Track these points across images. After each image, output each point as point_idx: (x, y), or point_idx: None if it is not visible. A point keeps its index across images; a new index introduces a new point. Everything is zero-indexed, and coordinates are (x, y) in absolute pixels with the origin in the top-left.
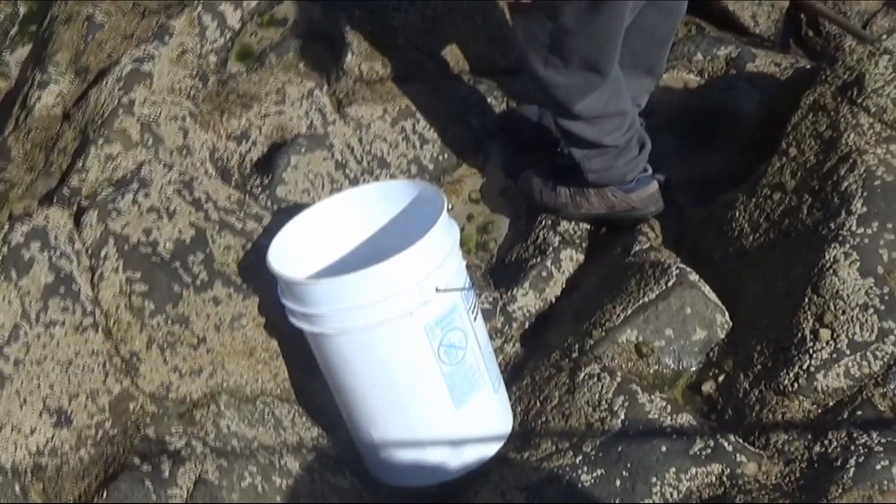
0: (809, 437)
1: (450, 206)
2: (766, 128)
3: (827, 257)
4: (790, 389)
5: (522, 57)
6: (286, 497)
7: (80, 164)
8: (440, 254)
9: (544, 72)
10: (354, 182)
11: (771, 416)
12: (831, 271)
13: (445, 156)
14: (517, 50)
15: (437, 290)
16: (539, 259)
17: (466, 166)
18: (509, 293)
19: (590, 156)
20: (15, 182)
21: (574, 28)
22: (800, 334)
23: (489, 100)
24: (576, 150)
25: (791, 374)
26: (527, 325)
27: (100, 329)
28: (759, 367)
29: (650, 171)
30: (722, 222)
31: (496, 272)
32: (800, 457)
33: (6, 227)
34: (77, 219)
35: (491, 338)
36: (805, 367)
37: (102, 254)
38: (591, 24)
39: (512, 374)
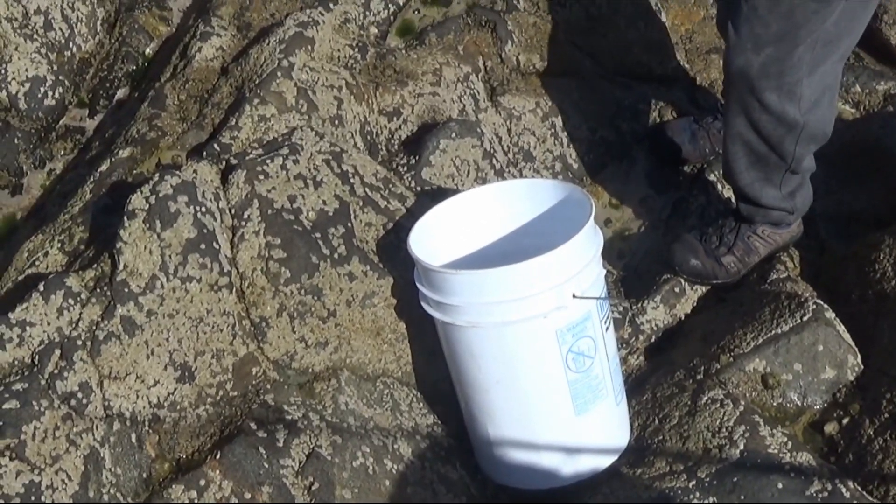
0: None
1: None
2: None
3: None
4: None
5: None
6: (395, 482)
7: (234, 122)
8: (582, 260)
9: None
10: (499, 173)
11: (893, 467)
12: None
13: (591, 157)
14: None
15: (574, 296)
16: (673, 274)
17: (610, 170)
18: (640, 304)
19: (795, 190)
20: (166, 130)
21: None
22: None
23: (641, 106)
24: (780, 192)
25: None
26: (653, 339)
27: (234, 290)
28: (886, 415)
29: None
30: (865, 263)
31: (628, 281)
32: None
33: (156, 177)
34: (224, 176)
35: (617, 348)
36: None
37: (245, 215)
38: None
39: (633, 386)
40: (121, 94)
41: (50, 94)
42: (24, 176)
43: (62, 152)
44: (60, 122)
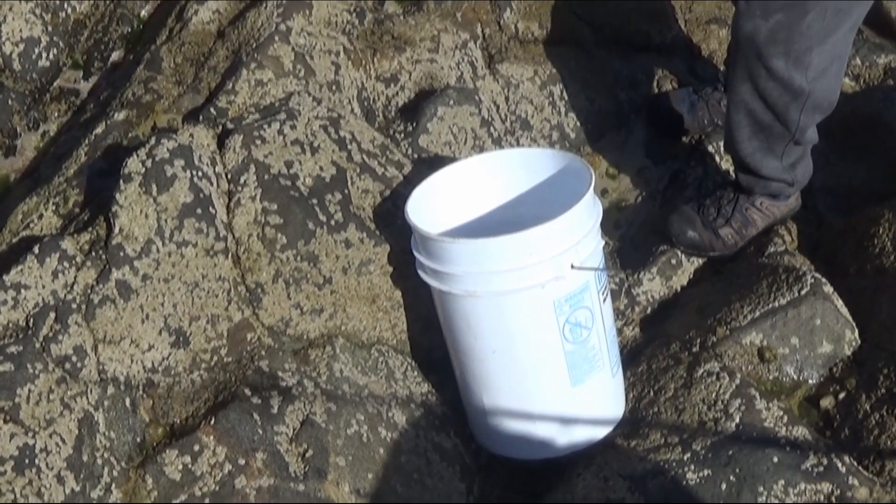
0: None
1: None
2: None
3: None
4: None
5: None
6: (389, 450)
7: (230, 86)
8: (581, 230)
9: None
10: (497, 141)
11: (889, 442)
12: None
13: (589, 126)
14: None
15: (573, 266)
16: (670, 245)
17: (608, 140)
18: (636, 276)
19: (796, 162)
20: (162, 94)
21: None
22: None
23: (640, 76)
24: (781, 163)
25: None
26: (649, 311)
27: (229, 255)
28: (883, 390)
29: None
30: (863, 237)
31: (625, 252)
32: None
33: (152, 140)
34: (221, 141)
35: (613, 319)
36: None
37: (242, 180)
38: None
39: (628, 358)
40: (116, 56)
41: (44, 55)
42: (18, 137)
43: (56, 114)
44: (55, 83)
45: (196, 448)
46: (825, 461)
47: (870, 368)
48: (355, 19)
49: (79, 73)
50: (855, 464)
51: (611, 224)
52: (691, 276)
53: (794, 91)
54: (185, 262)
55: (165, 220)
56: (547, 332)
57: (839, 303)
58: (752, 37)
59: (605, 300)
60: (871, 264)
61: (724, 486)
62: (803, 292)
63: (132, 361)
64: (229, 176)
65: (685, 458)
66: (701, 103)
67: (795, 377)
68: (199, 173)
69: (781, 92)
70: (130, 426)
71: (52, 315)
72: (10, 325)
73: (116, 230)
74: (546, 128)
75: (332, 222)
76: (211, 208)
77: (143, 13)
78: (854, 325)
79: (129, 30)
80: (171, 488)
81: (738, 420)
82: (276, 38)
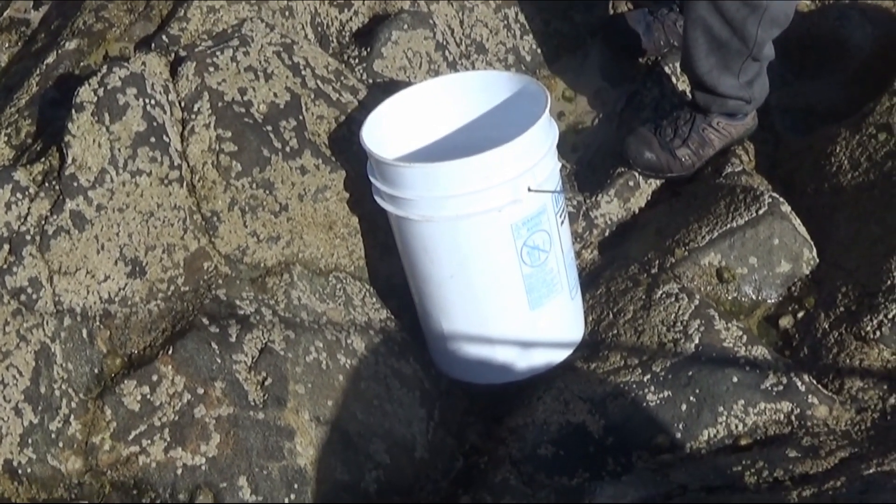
0: (885, 387)
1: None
2: (877, 64)
3: None
4: (871, 336)
5: None
6: (348, 377)
7: (182, 13)
8: (537, 153)
9: None
10: (452, 65)
11: (848, 360)
12: None
13: (544, 49)
14: None
15: (529, 189)
16: (627, 167)
17: (564, 62)
18: (594, 198)
19: (753, 79)
20: (113, 22)
21: None
22: (889, 282)
23: None
24: (738, 80)
25: (875, 322)
26: (607, 233)
27: (184, 184)
28: (841, 309)
29: None
30: (820, 155)
31: (582, 175)
32: (873, 406)
33: (104, 69)
34: (173, 68)
35: (571, 242)
36: (890, 315)
37: (195, 108)
38: None
39: (587, 281)
40: None
41: None
42: None
43: (7, 44)
44: (5, 13)
45: (154, 378)
46: (784, 380)
47: (828, 287)
48: None
49: (29, 2)
50: (814, 382)
51: (568, 147)
52: (649, 197)
53: (751, 4)
54: (140, 192)
55: (119, 150)
56: (504, 256)
57: (797, 222)
58: None
59: (562, 223)
60: (828, 183)
61: (683, 407)
62: (761, 212)
63: (88, 292)
64: (183, 104)
65: (645, 379)
66: (657, 24)
67: (754, 297)
68: (152, 101)
69: (739, 5)
70: (88, 357)
71: (6, 247)
72: None
73: (69, 160)
74: (501, 51)
75: (288, 149)
76: (165, 136)
77: None
78: (812, 243)
79: None
80: (129, 419)
81: (697, 341)
82: None
